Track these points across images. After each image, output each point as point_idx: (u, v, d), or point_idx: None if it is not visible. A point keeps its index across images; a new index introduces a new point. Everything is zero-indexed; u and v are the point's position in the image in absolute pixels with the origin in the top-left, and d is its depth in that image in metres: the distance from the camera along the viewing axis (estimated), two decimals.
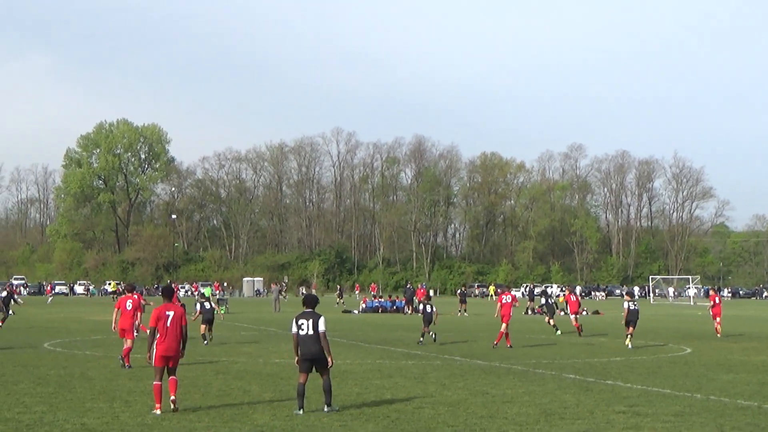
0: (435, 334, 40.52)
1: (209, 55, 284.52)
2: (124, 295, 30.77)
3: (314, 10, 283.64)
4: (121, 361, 28.44)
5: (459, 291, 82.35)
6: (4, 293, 55.59)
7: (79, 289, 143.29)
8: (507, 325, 38.04)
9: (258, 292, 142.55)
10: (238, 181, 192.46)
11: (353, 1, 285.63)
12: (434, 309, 41.01)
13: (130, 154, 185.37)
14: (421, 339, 40.11)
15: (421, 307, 44.17)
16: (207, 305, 39.94)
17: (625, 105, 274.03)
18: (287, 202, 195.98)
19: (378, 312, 78.39)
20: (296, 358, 19.30)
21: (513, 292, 45.06)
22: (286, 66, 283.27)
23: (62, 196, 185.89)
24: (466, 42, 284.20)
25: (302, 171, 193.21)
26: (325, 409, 19.20)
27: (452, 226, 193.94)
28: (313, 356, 18.99)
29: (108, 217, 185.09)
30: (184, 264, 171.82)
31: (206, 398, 20.83)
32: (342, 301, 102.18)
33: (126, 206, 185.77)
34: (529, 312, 76.91)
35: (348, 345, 38.32)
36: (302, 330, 19.03)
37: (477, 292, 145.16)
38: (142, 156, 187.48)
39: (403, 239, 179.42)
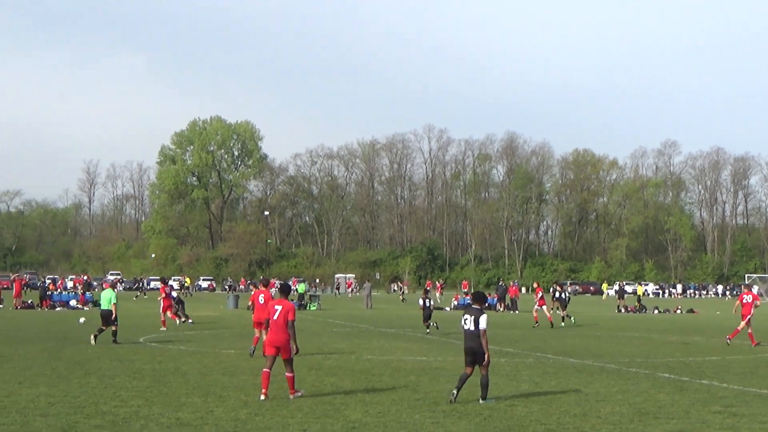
0: (437, 323, 44.90)
1: (302, 53, 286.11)
2: (257, 290, 32.26)
3: (406, 8, 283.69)
4: (251, 350, 30.19)
5: (552, 289, 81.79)
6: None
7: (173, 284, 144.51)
8: (747, 324, 37.88)
9: (352, 289, 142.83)
10: (330, 178, 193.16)
11: None
12: (432, 303, 45.84)
13: (223, 151, 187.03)
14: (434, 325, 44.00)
15: (420, 301, 45.96)
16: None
17: (720, 101, 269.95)
18: (379, 198, 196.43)
19: None
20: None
21: (753, 291, 45.62)
22: (379, 63, 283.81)
23: (157, 192, 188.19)
24: (558, 38, 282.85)
25: (394, 168, 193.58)
26: (481, 402, 19.87)
27: (544, 223, 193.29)
28: (473, 350, 19.99)
29: (202, 214, 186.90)
30: (277, 260, 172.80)
31: (297, 392, 20.89)
32: (402, 295, 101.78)
33: (219, 203, 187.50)
34: (622, 310, 76.32)
35: (439, 342, 38.27)
36: (465, 325, 20.17)
37: (570, 289, 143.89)
38: (235, 153, 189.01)
39: (494, 236, 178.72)
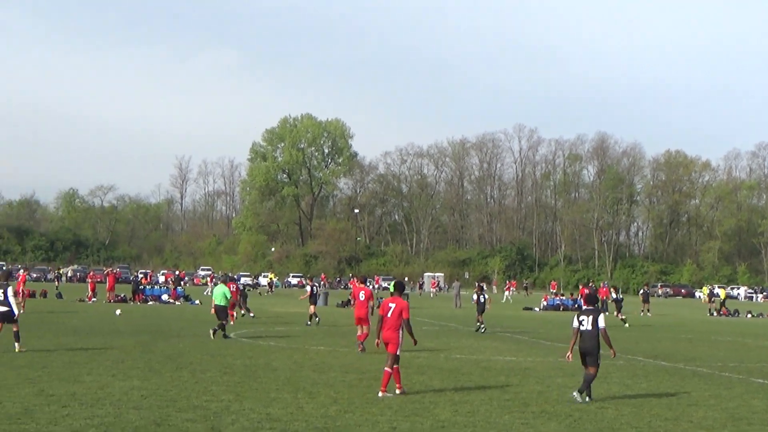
0: (484, 327, 44.28)
1: (392, 52, 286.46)
2: (357, 286, 34.37)
3: (497, 7, 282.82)
4: (359, 346, 31.15)
5: (642, 291, 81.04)
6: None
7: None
8: None
9: (439, 288, 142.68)
10: (419, 177, 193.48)
11: None
12: (487, 297, 45.72)
13: (313, 148, 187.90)
14: (481, 326, 44.07)
15: (474, 296, 47.58)
16: (315, 289, 47.52)
17: None
18: (468, 198, 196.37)
19: (559, 310, 77.76)
20: (568, 353, 21.66)
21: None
22: (469, 62, 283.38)
23: (248, 189, 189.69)
24: (651, 37, 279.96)
25: (484, 167, 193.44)
26: (574, 393, 20.50)
27: (635, 224, 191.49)
28: (586, 350, 20.51)
29: (292, 211, 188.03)
30: (366, 258, 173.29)
31: (388, 392, 20.91)
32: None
33: (309, 200, 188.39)
34: (714, 313, 75.46)
35: (529, 343, 38.13)
36: (582, 325, 20.64)
37: (660, 292, 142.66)
38: (326, 150, 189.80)
39: (584, 237, 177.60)
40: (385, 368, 20.64)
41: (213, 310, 36.22)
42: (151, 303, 67.19)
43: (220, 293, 36.14)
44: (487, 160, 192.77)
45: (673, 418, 18.59)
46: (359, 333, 32.02)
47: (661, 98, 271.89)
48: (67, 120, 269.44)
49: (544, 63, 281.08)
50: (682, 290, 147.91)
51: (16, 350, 27.41)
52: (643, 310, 73.84)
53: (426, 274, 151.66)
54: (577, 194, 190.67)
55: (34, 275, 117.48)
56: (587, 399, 20.46)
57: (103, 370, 23.28)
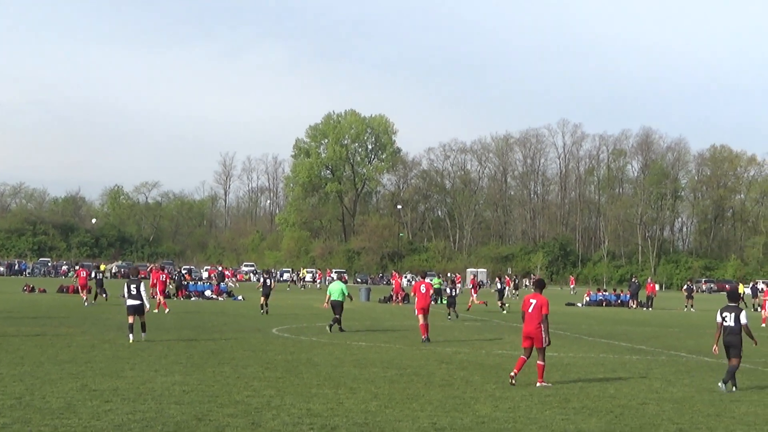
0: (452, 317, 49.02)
1: (436, 47, 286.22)
2: (418, 281, 36.71)
3: (541, 1, 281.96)
4: (424, 334, 33.81)
5: (685, 286, 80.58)
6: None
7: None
8: None
9: (481, 284, 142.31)
10: (462, 172, 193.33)
11: None
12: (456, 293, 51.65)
13: (357, 144, 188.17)
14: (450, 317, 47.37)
15: (448, 290, 52.36)
16: (268, 282, 50.15)
17: None
18: (512, 193, 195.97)
19: (602, 305, 77.55)
20: (714, 346, 23.07)
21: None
22: (512, 58, 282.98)
23: (291, 185, 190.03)
24: (695, 32, 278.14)
25: (527, 162, 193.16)
26: (720, 384, 21.94)
27: (679, 219, 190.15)
28: (730, 343, 21.96)
29: (335, 207, 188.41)
30: (409, 254, 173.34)
31: (429, 387, 20.91)
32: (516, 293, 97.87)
33: (352, 196, 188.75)
34: (758, 309, 74.92)
35: (571, 338, 38.01)
36: (726, 321, 22.13)
37: (704, 287, 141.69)
38: (369, 146, 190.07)
39: (628, 232, 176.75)
40: (538, 362, 21.86)
41: (326, 305, 38.41)
42: (194, 299, 67.53)
43: (337, 289, 37.77)
44: (531, 156, 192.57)
45: (715, 414, 18.49)
46: (422, 323, 34.12)
47: (705, 92, 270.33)
48: (113, 116, 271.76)
49: (588, 58, 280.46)
50: (726, 286, 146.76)
51: (143, 339, 30.24)
52: (686, 306, 73.47)
53: (468, 270, 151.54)
54: (621, 189, 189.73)
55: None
56: (733, 389, 21.73)
57: (145, 366, 23.44)
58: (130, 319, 30.08)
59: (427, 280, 41.05)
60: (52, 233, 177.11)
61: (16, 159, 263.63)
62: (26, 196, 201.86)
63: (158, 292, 51.69)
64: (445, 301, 63.33)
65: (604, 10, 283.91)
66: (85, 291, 55.72)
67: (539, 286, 22.87)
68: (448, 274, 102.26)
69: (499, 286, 67.77)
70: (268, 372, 22.90)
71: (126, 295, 30.52)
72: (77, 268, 67.58)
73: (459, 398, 19.51)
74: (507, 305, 60.69)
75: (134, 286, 30.47)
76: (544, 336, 21.73)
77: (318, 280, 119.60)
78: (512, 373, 21.75)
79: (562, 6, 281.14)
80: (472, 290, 68.29)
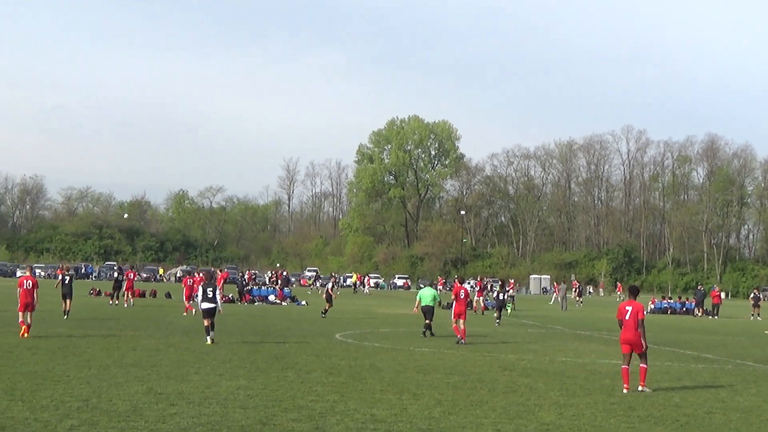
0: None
1: (499, 53, 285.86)
2: (456, 286, 37.63)
3: (605, 8, 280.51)
4: (461, 336, 34.89)
5: (752, 294, 79.63)
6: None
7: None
8: None
9: (545, 290, 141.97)
10: (526, 178, 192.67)
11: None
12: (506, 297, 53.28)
13: (420, 150, 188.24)
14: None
15: (498, 294, 53.14)
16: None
17: None
18: (575, 199, 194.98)
19: (666, 313, 76.96)
20: None
21: None
22: (576, 63, 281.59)
23: (354, 191, 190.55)
24: (760, 37, 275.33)
25: (591, 169, 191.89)
26: None
27: (746, 227, 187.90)
28: None
29: (398, 212, 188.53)
30: (472, 260, 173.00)
31: (493, 394, 20.87)
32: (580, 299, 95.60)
33: (415, 201, 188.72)
34: None
35: None
36: None
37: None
38: (432, 152, 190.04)
39: (693, 239, 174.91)
40: (641, 365, 22.56)
41: (416, 310, 38.51)
42: (258, 303, 67.82)
43: (429, 294, 38.28)
44: (595, 162, 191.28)
45: None
46: (457, 326, 35.28)
47: None
48: (178, 121, 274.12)
49: (652, 63, 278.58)
50: None
51: (208, 342, 31.07)
52: (753, 314, 72.70)
53: (532, 276, 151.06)
54: (686, 196, 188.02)
55: (144, 275, 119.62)
56: None
57: (210, 370, 23.59)
58: (206, 322, 31.57)
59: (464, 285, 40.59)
60: (117, 237, 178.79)
61: (83, 163, 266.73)
62: (93, 200, 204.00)
63: (185, 297, 51.90)
64: (509, 308, 63.15)
65: (670, 15, 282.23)
66: (129, 292, 56.62)
67: (634, 292, 23.41)
68: (485, 278, 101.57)
69: (502, 296, 54.56)
70: (331, 377, 22.96)
71: (202, 298, 32.02)
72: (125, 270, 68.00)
73: (523, 405, 19.45)
74: (499, 321, 51.11)
75: (210, 289, 32.06)
76: (642, 341, 22.22)
77: (367, 286, 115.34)
78: (624, 390, 22.17)
79: (628, 11, 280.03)
80: (477, 293, 67.63)
